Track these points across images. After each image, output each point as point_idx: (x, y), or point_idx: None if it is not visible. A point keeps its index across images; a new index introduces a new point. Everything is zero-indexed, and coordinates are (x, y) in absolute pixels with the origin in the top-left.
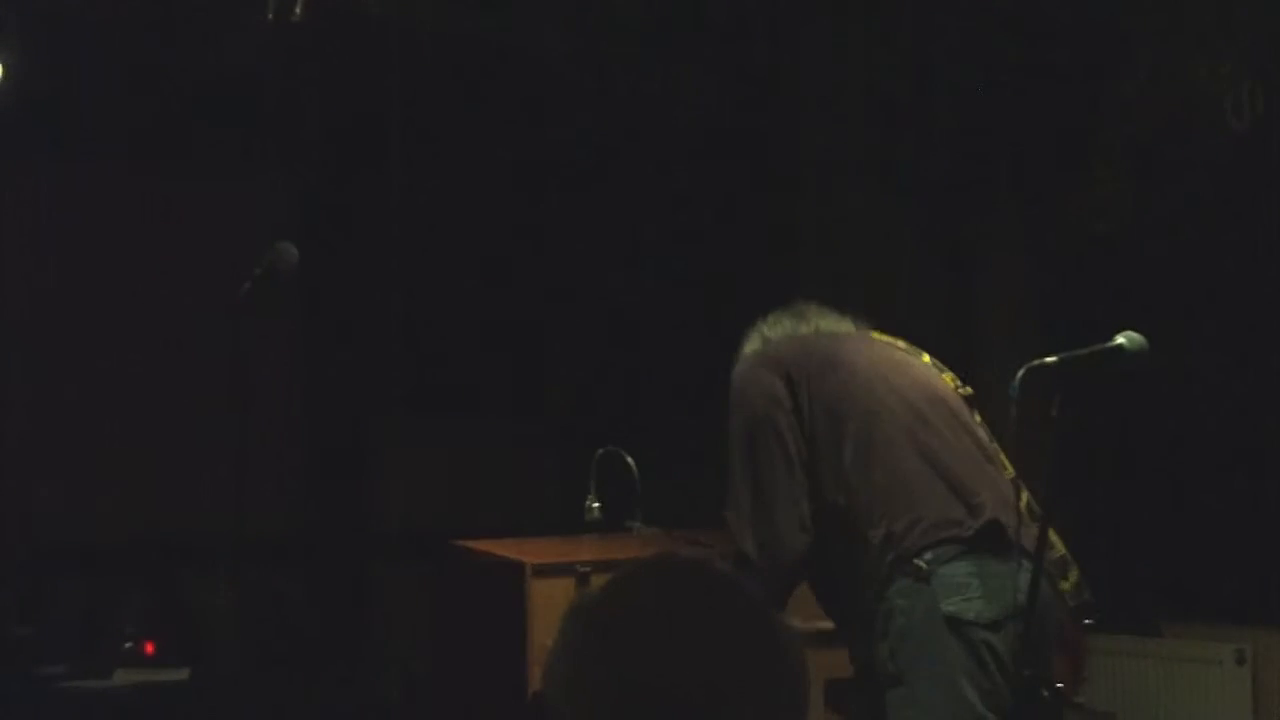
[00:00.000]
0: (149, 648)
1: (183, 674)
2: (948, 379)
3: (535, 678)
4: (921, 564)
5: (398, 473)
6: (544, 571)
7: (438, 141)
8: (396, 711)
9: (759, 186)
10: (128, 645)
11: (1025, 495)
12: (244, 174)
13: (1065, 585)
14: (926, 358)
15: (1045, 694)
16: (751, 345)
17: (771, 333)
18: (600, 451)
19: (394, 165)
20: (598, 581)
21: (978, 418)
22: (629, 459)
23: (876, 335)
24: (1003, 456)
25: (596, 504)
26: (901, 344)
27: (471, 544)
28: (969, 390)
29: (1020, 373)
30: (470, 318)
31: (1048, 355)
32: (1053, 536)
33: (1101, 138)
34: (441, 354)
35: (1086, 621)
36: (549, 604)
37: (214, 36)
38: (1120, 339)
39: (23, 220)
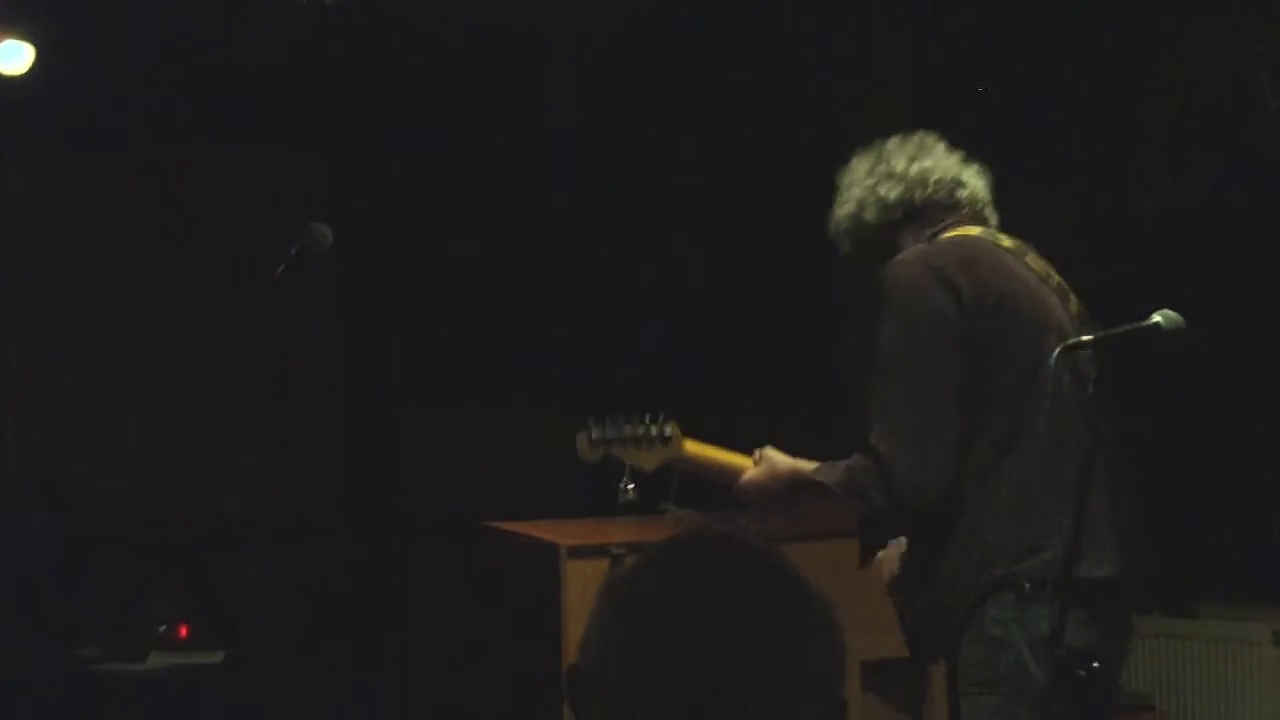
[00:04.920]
0: (183, 631)
1: (217, 657)
2: None
3: (571, 658)
4: None
5: (433, 456)
6: (579, 553)
7: (473, 125)
8: (433, 692)
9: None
10: (162, 628)
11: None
12: (279, 156)
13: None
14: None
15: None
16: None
17: None
18: None
19: (430, 149)
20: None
21: None
22: None
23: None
24: None
25: (630, 485)
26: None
27: (506, 526)
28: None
29: (1056, 351)
30: (507, 300)
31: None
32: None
33: (1139, 115)
34: (477, 337)
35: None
36: (584, 585)
37: (245, 16)
38: (1157, 317)
39: (60, 206)
